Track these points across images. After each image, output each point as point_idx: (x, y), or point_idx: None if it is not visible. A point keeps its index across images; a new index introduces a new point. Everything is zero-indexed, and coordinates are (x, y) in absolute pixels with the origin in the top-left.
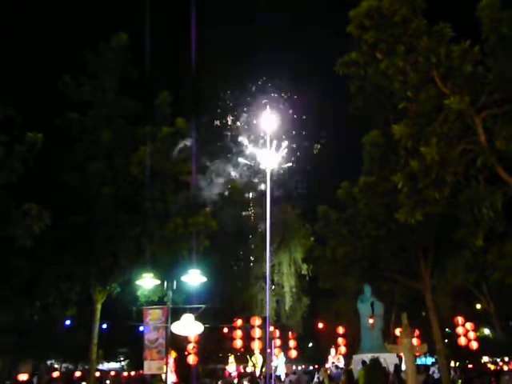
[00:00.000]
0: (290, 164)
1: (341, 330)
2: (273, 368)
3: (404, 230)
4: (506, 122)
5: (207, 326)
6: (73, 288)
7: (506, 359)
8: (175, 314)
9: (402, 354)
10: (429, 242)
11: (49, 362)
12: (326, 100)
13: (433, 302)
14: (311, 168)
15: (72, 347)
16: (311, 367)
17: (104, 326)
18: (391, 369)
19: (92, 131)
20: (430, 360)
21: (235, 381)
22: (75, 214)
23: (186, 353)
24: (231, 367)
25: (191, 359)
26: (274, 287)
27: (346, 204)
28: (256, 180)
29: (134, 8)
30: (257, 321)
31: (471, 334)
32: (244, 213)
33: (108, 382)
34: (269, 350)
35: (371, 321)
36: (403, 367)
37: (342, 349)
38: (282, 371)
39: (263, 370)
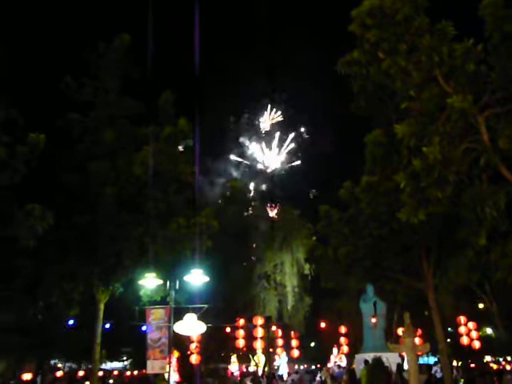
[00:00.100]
0: (292, 164)
1: (343, 329)
2: (275, 367)
3: (407, 230)
4: (508, 120)
5: (210, 325)
6: (76, 288)
7: (509, 358)
8: (178, 314)
9: (404, 354)
10: (431, 242)
11: (52, 362)
12: (328, 99)
13: (435, 302)
14: (313, 168)
15: (75, 347)
16: (313, 367)
17: (107, 325)
18: (394, 368)
19: (94, 131)
20: (432, 359)
21: (238, 380)
22: (78, 214)
23: (189, 352)
24: (234, 367)
25: (194, 359)
26: (276, 287)
27: (347, 203)
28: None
29: (137, 8)
30: (259, 320)
31: (474, 334)
32: (246, 213)
33: (111, 381)
34: (271, 350)
35: (374, 320)
36: (405, 366)
37: (345, 348)
38: (284, 371)
39: (265, 369)
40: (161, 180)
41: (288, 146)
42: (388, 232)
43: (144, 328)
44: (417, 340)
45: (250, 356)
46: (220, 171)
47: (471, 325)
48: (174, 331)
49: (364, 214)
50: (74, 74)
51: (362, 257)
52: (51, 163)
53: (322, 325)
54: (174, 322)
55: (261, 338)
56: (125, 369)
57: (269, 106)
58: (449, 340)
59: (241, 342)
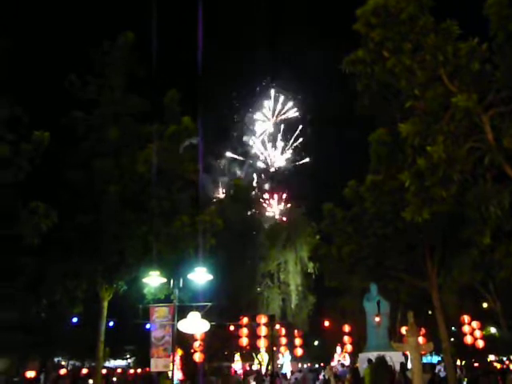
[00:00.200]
0: (296, 163)
1: (347, 328)
2: (278, 366)
3: (411, 229)
4: None
5: (213, 323)
6: (79, 286)
7: None
8: (181, 312)
9: (407, 353)
10: (436, 241)
11: (56, 360)
12: (331, 98)
13: (439, 301)
14: (317, 166)
15: (79, 345)
16: (317, 365)
17: (111, 323)
18: (397, 367)
19: (98, 129)
20: (435, 358)
21: (241, 378)
22: (82, 212)
23: (193, 350)
24: (237, 365)
25: (197, 357)
26: (279, 285)
27: (352, 202)
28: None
29: (142, 6)
30: (263, 319)
31: (477, 333)
32: (249, 212)
33: (114, 379)
34: (274, 348)
35: (377, 319)
36: (409, 366)
37: (348, 347)
38: (287, 369)
39: (269, 367)
40: (165, 178)
41: (291, 145)
42: (392, 231)
43: (148, 326)
44: (420, 339)
45: (254, 354)
46: (224, 170)
47: (475, 324)
48: (177, 329)
49: (368, 213)
50: (79, 72)
51: (366, 256)
52: (55, 161)
53: (326, 323)
54: (177, 320)
55: (264, 336)
56: (128, 367)
57: (271, 106)
58: (452, 339)
59: (244, 341)
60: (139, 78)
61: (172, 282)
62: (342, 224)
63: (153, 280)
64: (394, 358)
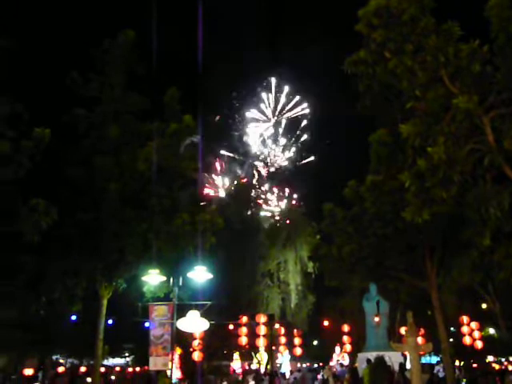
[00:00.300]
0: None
1: (346, 328)
2: (277, 365)
3: (411, 229)
4: None
5: (213, 322)
6: (79, 283)
7: (511, 359)
8: (181, 311)
9: (406, 353)
10: (436, 241)
11: (54, 357)
12: (332, 99)
13: (438, 301)
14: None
15: (77, 342)
16: (316, 365)
17: (110, 321)
18: (396, 367)
19: (99, 127)
20: (434, 359)
21: (240, 378)
22: (82, 209)
23: (192, 349)
24: (236, 364)
25: (196, 356)
26: (279, 285)
27: (352, 202)
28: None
29: (143, 4)
30: (262, 318)
31: (476, 334)
32: (250, 211)
33: (113, 377)
34: (274, 348)
35: (376, 319)
36: (408, 366)
37: (347, 347)
38: (286, 369)
39: (268, 367)
40: (165, 176)
41: (292, 144)
42: (392, 231)
43: (147, 324)
44: (419, 339)
45: (253, 354)
46: (224, 169)
47: (474, 325)
48: (176, 328)
49: (368, 213)
50: (80, 69)
51: (366, 256)
52: (56, 158)
53: (325, 323)
54: (176, 319)
55: (263, 335)
56: (127, 365)
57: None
58: (451, 340)
59: (243, 340)
60: (139, 76)
61: (171, 280)
62: (342, 224)
63: (152, 278)
64: (393, 358)
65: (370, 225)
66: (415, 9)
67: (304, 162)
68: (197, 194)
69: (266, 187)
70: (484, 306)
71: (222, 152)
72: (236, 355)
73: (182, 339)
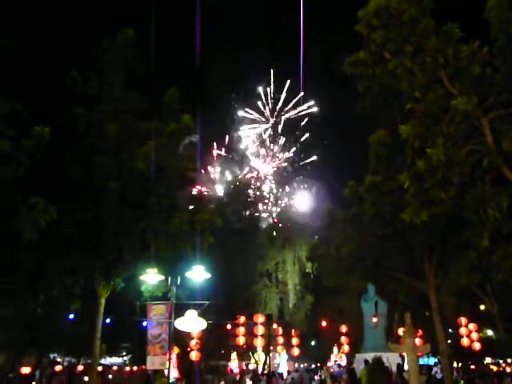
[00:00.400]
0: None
1: (344, 328)
2: (275, 365)
3: (410, 230)
4: None
5: (210, 322)
6: (77, 282)
7: (509, 361)
8: (179, 310)
9: (404, 354)
10: (434, 242)
11: (52, 356)
12: (332, 99)
13: (436, 302)
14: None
15: (75, 341)
16: (313, 365)
17: (107, 320)
18: (394, 368)
19: (99, 126)
20: (432, 360)
21: (237, 377)
22: (81, 208)
23: (189, 349)
24: (234, 364)
25: (194, 355)
26: (277, 285)
27: (351, 203)
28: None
29: (143, 3)
30: (260, 318)
31: (474, 335)
32: (248, 211)
33: (110, 376)
34: (271, 348)
35: (374, 320)
36: (406, 367)
37: (345, 347)
38: (284, 369)
39: (265, 367)
40: (164, 175)
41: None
42: (391, 232)
43: (145, 323)
44: (417, 340)
45: (250, 354)
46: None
47: (472, 326)
48: (174, 327)
49: (367, 214)
50: (80, 68)
51: (365, 256)
52: (55, 157)
53: (323, 323)
54: (174, 318)
55: (261, 335)
56: (124, 364)
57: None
58: (449, 341)
59: (241, 340)
60: (139, 75)
61: (170, 279)
62: (341, 224)
63: (150, 277)
64: (390, 359)
65: (369, 225)
66: (415, 10)
67: (303, 162)
68: (195, 193)
69: (264, 187)
70: (482, 307)
71: (220, 152)
72: (234, 355)
73: (179, 339)
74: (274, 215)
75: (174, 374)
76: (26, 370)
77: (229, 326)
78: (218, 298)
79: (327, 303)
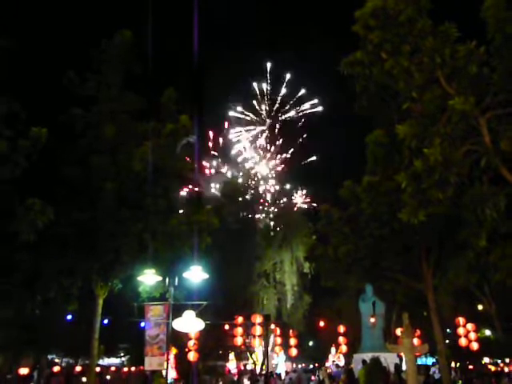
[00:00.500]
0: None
1: (342, 328)
2: (273, 366)
3: (407, 230)
4: (510, 122)
5: (208, 322)
6: (74, 283)
7: (507, 360)
8: (176, 311)
9: (402, 354)
10: (432, 242)
11: (50, 357)
12: (329, 99)
13: (434, 303)
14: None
15: (73, 342)
16: (311, 366)
17: (105, 321)
18: (392, 368)
19: (96, 127)
20: (430, 360)
21: (235, 378)
22: (78, 209)
23: (187, 349)
24: (231, 364)
25: (192, 356)
26: (275, 285)
27: (348, 203)
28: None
29: (140, 4)
30: (258, 318)
31: (472, 335)
32: (245, 212)
33: (108, 377)
34: (269, 348)
35: (372, 320)
36: (404, 367)
37: (343, 348)
38: (282, 369)
39: (263, 367)
40: (161, 176)
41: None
42: (389, 232)
43: (142, 324)
44: (415, 341)
45: (248, 354)
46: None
47: (470, 326)
48: (172, 328)
49: (365, 214)
50: (77, 68)
51: (362, 256)
52: (53, 157)
53: (321, 324)
54: (172, 319)
55: (259, 336)
56: (122, 365)
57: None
58: (447, 341)
59: (239, 340)
60: (136, 76)
61: (167, 280)
62: (338, 224)
63: (148, 278)
64: (388, 359)
65: (367, 225)
66: (412, 10)
67: (301, 162)
68: (193, 194)
69: (261, 188)
70: (480, 307)
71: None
72: (231, 355)
73: (177, 339)
74: (272, 215)
75: (172, 374)
76: (24, 371)
77: (227, 327)
78: (216, 299)
79: (325, 303)
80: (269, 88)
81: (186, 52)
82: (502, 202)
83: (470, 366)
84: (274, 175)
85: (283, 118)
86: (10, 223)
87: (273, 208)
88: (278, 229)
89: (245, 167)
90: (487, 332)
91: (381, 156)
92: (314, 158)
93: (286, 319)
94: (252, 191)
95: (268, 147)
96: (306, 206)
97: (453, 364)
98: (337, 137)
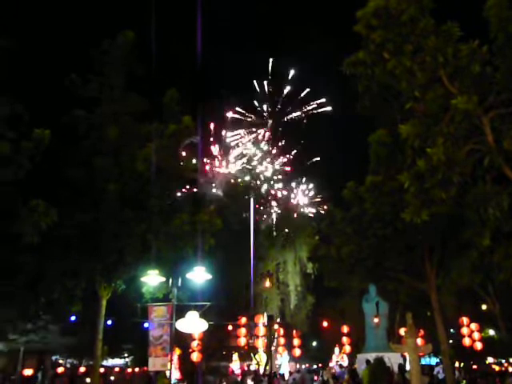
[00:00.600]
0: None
1: (345, 329)
2: (276, 366)
3: (410, 230)
4: None
5: (212, 323)
6: (78, 284)
7: (511, 360)
8: (180, 311)
9: (406, 354)
10: (435, 242)
11: (53, 358)
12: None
13: (438, 302)
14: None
15: (77, 343)
16: (315, 366)
17: (109, 322)
18: (395, 368)
19: (99, 128)
20: (434, 360)
21: (239, 378)
22: (81, 210)
23: (190, 350)
24: (235, 365)
25: (195, 356)
26: (278, 285)
27: (351, 203)
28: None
29: (143, 5)
30: (261, 319)
31: (476, 335)
32: (248, 212)
33: (112, 378)
34: (273, 348)
35: (376, 320)
36: (407, 367)
37: (347, 348)
38: (285, 369)
39: (267, 368)
40: (164, 177)
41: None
42: (392, 232)
43: (146, 325)
44: (419, 341)
45: (252, 354)
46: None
47: (474, 326)
48: (175, 329)
49: (368, 214)
50: (79, 70)
51: (365, 256)
52: (56, 159)
53: (325, 324)
54: (175, 320)
55: (262, 336)
56: (126, 366)
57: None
58: (451, 341)
59: (242, 341)
60: (139, 77)
61: (171, 281)
62: (341, 225)
63: (151, 279)
64: (392, 359)
65: (370, 225)
66: (414, 9)
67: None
68: (196, 194)
69: (264, 188)
70: (484, 307)
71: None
72: (235, 356)
73: (181, 340)
74: (275, 216)
75: (176, 375)
76: (28, 372)
77: (230, 327)
78: (219, 299)
79: (328, 304)
80: (271, 89)
81: (188, 53)
82: (506, 202)
83: (474, 366)
84: (276, 175)
85: (286, 118)
86: (14, 225)
87: (276, 208)
88: (281, 229)
89: (247, 167)
90: (491, 332)
91: (384, 156)
92: (317, 158)
93: (290, 320)
94: (255, 191)
95: (270, 148)
96: (307, 202)
97: (457, 364)
98: (339, 137)
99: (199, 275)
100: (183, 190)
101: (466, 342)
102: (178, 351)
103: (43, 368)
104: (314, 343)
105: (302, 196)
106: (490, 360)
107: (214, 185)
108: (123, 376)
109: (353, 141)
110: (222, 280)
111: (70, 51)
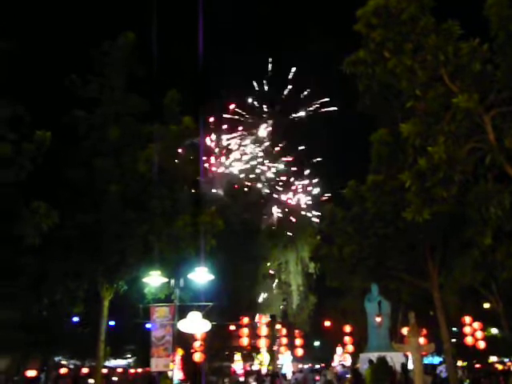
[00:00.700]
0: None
1: (348, 328)
2: (279, 366)
3: (412, 229)
4: None
5: (214, 323)
6: (80, 285)
7: None
8: (182, 312)
9: (409, 353)
10: (437, 241)
11: (56, 359)
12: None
13: (440, 301)
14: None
15: (79, 344)
16: (317, 366)
17: (111, 323)
18: (398, 368)
19: (100, 129)
20: (437, 359)
21: (241, 379)
22: (83, 212)
23: (193, 350)
24: (237, 365)
25: (198, 357)
26: (281, 285)
27: (352, 202)
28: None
29: (144, 6)
30: (263, 319)
31: (479, 334)
32: (250, 212)
33: (115, 378)
34: (275, 348)
35: (378, 319)
36: (410, 366)
37: (349, 347)
38: (288, 369)
39: (269, 368)
40: (166, 177)
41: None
42: (393, 231)
43: (148, 326)
44: (421, 340)
45: (254, 354)
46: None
47: (476, 325)
48: (178, 329)
49: (369, 213)
50: (80, 71)
51: (367, 256)
52: (57, 160)
53: (327, 324)
54: (178, 320)
55: (265, 336)
56: (129, 366)
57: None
58: (454, 340)
59: (245, 341)
60: (140, 78)
61: (173, 281)
62: (342, 224)
63: (153, 280)
64: (395, 358)
65: (371, 225)
66: (415, 8)
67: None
68: (198, 195)
69: (265, 189)
70: (487, 305)
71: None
72: (237, 356)
73: (183, 340)
74: (276, 216)
75: (179, 375)
76: (31, 373)
77: (232, 327)
78: (222, 300)
79: (330, 304)
80: (271, 89)
81: (189, 54)
82: (507, 200)
83: (477, 365)
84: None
85: (287, 118)
86: (16, 226)
87: (277, 208)
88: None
89: (248, 167)
90: (494, 330)
91: (385, 155)
92: (319, 159)
93: (292, 319)
94: (256, 191)
95: (271, 148)
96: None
97: (460, 363)
98: (339, 136)
99: (201, 276)
100: (185, 190)
101: (469, 340)
102: (180, 352)
103: (46, 369)
104: (317, 343)
105: (304, 196)
106: (493, 359)
107: (214, 185)
108: (126, 377)
109: (353, 140)
110: (223, 280)
111: (70, 52)
